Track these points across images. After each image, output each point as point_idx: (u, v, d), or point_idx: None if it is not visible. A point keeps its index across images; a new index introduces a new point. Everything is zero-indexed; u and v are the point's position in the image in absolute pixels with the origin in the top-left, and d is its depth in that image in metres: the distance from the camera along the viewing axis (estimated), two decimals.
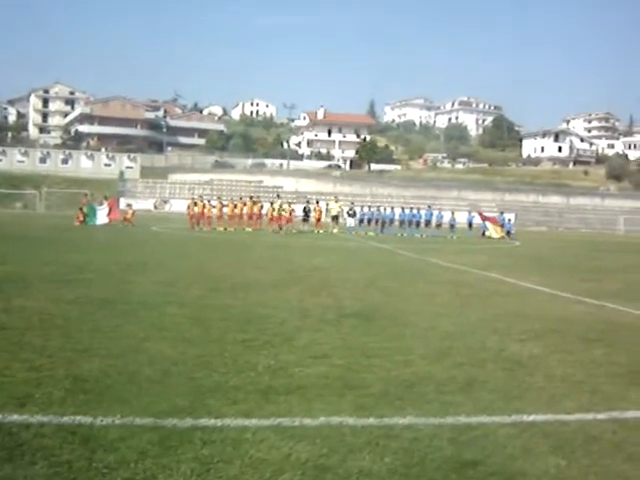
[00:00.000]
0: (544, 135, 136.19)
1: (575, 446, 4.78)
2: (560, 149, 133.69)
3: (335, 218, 43.82)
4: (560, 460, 4.50)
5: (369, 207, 47.35)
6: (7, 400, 5.20)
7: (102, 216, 39.53)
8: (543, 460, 4.50)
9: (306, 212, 42.66)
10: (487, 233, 43.69)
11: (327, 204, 46.64)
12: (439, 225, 45.17)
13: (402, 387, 6.10)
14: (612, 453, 4.69)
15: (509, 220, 46.61)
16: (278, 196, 45.30)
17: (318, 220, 42.70)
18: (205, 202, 40.73)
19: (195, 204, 40.26)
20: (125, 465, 4.09)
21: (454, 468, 4.29)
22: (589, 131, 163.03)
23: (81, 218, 38.25)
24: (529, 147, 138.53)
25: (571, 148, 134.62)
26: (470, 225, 46.44)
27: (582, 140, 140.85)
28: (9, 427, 4.63)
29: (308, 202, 44.81)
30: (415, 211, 45.79)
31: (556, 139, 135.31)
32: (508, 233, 43.53)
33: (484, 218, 45.73)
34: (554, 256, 28.18)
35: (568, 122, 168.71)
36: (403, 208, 46.91)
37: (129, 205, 43.19)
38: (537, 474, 4.28)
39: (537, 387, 6.33)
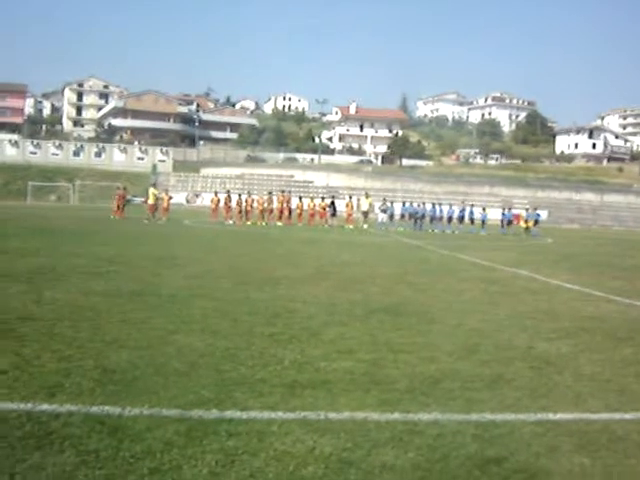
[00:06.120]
0: (578, 131, 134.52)
1: (600, 445, 4.75)
2: (594, 146, 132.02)
3: (365, 213, 43.67)
4: (584, 459, 4.47)
5: (403, 203, 47.25)
6: (37, 389, 5.30)
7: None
8: (567, 458, 4.47)
9: (333, 207, 42.58)
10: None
11: (358, 199, 46.60)
12: (472, 221, 45.04)
13: (427, 383, 6.10)
14: (637, 453, 4.64)
15: (537, 214, 46.15)
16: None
17: (349, 216, 42.75)
18: (235, 196, 41.27)
19: (219, 199, 41.49)
20: (151, 455, 4.15)
21: (478, 465, 4.29)
22: (624, 128, 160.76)
23: (118, 211, 39.01)
24: (563, 143, 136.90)
25: (605, 145, 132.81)
26: (502, 222, 46.15)
27: (617, 137, 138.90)
28: (39, 416, 4.72)
29: (334, 197, 44.74)
30: (447, 207, 45.69)
31: (590, 135, 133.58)
32: (536, 222, 43.37)
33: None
34: (586, 254, 27.83)
35: (603, 118, 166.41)
36: (434, 204, 46.74)
37: (163, 191, 41.52)
38: (561, 472, 4.26)
39: (564, 385, 6.29)
